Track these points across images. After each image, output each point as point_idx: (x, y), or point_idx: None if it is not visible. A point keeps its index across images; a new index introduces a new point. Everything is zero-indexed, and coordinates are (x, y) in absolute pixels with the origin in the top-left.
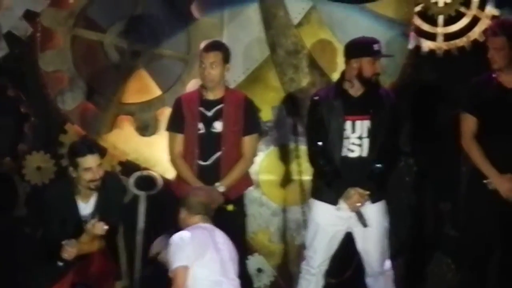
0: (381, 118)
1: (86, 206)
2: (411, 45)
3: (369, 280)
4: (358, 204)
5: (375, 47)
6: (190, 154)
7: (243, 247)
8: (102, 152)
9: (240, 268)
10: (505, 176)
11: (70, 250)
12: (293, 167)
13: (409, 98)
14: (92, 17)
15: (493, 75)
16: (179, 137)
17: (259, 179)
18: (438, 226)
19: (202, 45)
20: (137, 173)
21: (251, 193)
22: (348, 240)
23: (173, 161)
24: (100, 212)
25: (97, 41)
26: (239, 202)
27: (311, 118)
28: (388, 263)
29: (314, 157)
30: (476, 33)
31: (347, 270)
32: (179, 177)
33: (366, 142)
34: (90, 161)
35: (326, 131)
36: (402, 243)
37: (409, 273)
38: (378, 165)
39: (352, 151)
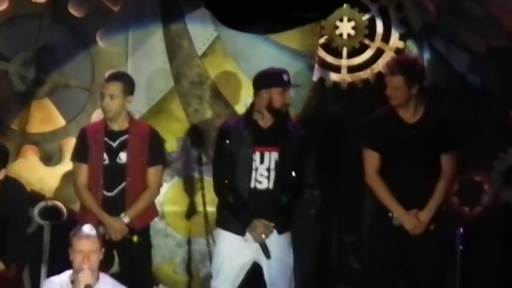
0: (288, 150)
1: None
2: (315, 77)
3: None
4: (263, 236)
5: (285, 77)
6: (95, 185)
7: (149, 278)
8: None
9: None
10: (410, 212)
11: None
12: (198, 198)
13: (313, 130)
14: None
15: (393, 109)
16: (84, 168)
17: (164, 210)
18: (342, 258)
19: (106, 75)
20: (42, 203)
21: (156, 224)
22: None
23: (78, 192)
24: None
25: (1, 70)
26: (144, 233)
27: (218, 147)
28: None
29: (221, 188)
30: (380, 65)
31: None
32: (84, 207)
33: (273, 174)
34: None
35: (234, 161)
36: (306, 275)
37: None
38: (283, 198)
39: (260, 182)
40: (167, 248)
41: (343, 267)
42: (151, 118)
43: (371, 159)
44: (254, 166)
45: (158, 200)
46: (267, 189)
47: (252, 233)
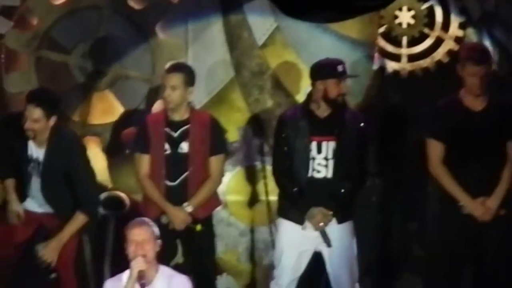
0: (346, 139)
1: (37, 151)
2: (375, 66)
3: None
4: (321, 224)
5: (340, 68)
6: (157, 175)
7: (213, 267)
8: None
9: None
10: (477, 201)
11: (47, 253)
12: (260, 187)
13: (374, 119)
14: (56, 38)
15: (458, 98)
16: (146, 158)
17: (227, 200)
18: (405, 246)
19: (166, 66)
20: (105, 194)
21: (219, 213)
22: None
23: (141, 182)
24: (49, 160)
25: (61, 62)
26: (207, 222)
27: (277, 137)
28: (357, 286)
29: (280, 177)
30: (440, 54)
31: None
32: (146, 197)
33: (331, 163)
34: (30, 111)
35: (292, 151)
36: (369, 263)
37: None
38: (344, 187)
39: (318, 171)
40: (230, 237)
41: (406, 255)
42: (212, 108)
43: (435, 149)
44: (311, 156)
45: (221, 189)
46: (325, 178)
47: (311, 221)
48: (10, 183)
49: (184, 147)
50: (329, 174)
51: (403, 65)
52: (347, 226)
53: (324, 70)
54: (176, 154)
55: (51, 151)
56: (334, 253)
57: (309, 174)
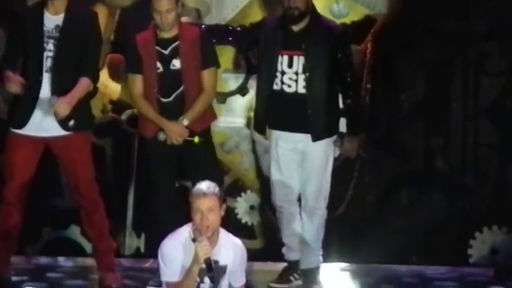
0: (316, 54)
1: (54, 18)
2: None
3: (303, 215)
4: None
5: None
6: (151, 93)
7: (217, 174)
8: None
9: None
10: None
11: (59, 106)
12: None
13: (398, 34)
14: None
15: None
16: (138, 78)
17: (250, 116)
18: (429, 161)
19: None
20: (129, 111)
21: (243, 130)
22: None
23: (135, 102)
24: (66, 29)
25: None
26: (205, 134)
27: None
28: (323, 203)
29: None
30: None
31: (339, 207)
32: (143, 117)
33: (301, 78)
34: None
35: (260, 60)
36: (395, 177)
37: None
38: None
39: (289, 86)
40: (254, 154)
41: (431, 170)
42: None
43: None
44: (281, 69)
45: (244, 106)
46: (296, 93)
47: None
48: None
49: (176, 63)
50: (300, 89)
51: None
52: (325, 143)
53: None
54: (169, 71)
55: (69, 16)
56: (307, 164)
57: (278, 87)
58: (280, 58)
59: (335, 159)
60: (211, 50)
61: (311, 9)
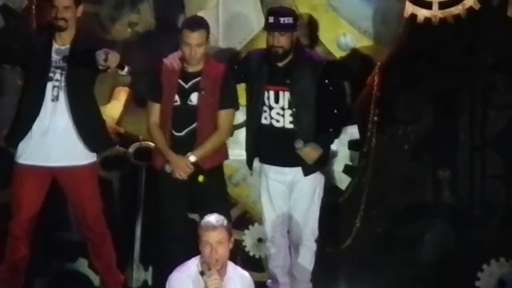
0: (301, 90)
1: (61, 49)
2: (406, 14)
3: (291, 247)
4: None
5: (283, 20)
6: (166, 125)
7: (227, 209)
8: None
9: None
10: None
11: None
12: None
13: (405, 66)
14: None
15: None
16: (156, 106)
17: None
18: (437, 194)
19: (185, 23)
20: (136, 144)
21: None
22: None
23: (149, 130)
24: (74, 57)
25: (93, 13)
26: (214, 173)
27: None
28: (312, 237)
29: None
30: (471, 0)
31: (346, 239)
32: (155, 148)
33: (288, 113)
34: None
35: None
36: (401, 209)
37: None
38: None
39: (277, 121)
40: None
41: (438, 203)
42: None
43: None
44: (268, 104)
45: None
46: (283, 128)
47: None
48: None
49: (194, 99)
50: (287, 124)
51: (435, 12)
52: (312, 178)
53: (267, 20)
54: (185, 106)
55: (77, 43)
56: (297, 196)
57: (268, 122)
58: (266, 93)
59: (342, 193)
60: (232, 90)
61: (295, 45)
